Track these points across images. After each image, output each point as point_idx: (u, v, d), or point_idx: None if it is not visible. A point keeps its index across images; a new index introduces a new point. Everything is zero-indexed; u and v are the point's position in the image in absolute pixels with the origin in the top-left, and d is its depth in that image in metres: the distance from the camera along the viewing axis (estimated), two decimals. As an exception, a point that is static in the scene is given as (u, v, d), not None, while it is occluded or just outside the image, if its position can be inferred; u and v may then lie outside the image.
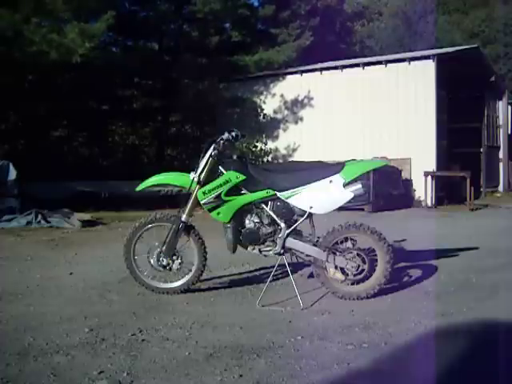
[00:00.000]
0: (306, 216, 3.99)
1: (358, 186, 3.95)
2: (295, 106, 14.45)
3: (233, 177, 3.97)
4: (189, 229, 4.13)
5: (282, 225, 3.97)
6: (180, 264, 4.10)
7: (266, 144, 14.27)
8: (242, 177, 3.98)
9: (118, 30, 14.05)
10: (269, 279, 4.12)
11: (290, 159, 14.49)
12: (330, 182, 3.93)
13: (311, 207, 3.95)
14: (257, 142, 13.91)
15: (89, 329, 3.32)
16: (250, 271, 5.01)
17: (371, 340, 3.10)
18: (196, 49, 15.79)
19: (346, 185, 3.93)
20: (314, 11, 22.43)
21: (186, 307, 3.86)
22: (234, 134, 4.10)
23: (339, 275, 3.97)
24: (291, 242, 3.99)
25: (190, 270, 4.14)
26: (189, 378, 2.61)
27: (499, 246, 6.34)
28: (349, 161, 4.13)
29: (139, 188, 4.27)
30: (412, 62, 13.07)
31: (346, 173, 3.94)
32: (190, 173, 4.10)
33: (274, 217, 4.00)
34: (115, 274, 4.80)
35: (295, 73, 14.55)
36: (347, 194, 3.94)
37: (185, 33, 16.08)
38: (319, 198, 3.95)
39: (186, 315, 3.63)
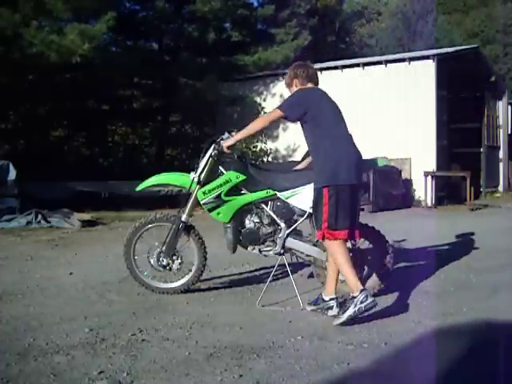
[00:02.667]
0: (305, 216, 3.99)
1: (358, 185, 3.95)
2: (295, 106, 14.42)
3: (233, 177, 3.97)
4: (189, 229, 4.13)
5: (282, 225, 3.97)
6: (180, 264, 4.10)
7: (266, 144, 14.27)
8: (242, 177, 3.97)
9: (118, 30, 14.03)
10: (269, 279, 4.12)
11: (290, 159, 14.48)
12: None
13: (311, 207, 3.95)
14: (257, 141, 13.91)
15: (89, 329, 3.32)
16: (250, 271, 5.01)
17: (371, 340, 3.11)
18: (196, 48, 15.79)
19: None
20: (313, 11, 22.42)
21: (186, 307, 3.86)
22: (233, 133, 4.09)
23: (339, 275, 3.96)
24: (291, 242, 3.99)
25: (190, 270, 4.14)
26: (189, 378, 2.61)
27: (499, 246, 6.34)
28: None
29: (139, 188, 4.26)
30: (412, 62, 13.07)
31: None
32: (189, 173, 4.10)
33: (274, 217, 4.00)
34: (115, 274, 4.80)
35: (295, 73, 14.53)
36: None
37: (185, 32, 16.07)
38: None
39: (186, 315, 3.63)
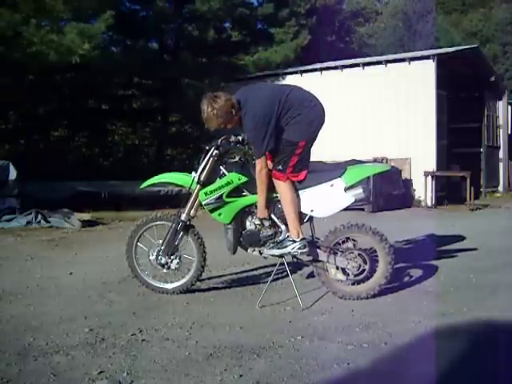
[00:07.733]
0: (306, 219, 3.99)
1: (359, 190, 3.96)
2: (295, 106, 14.41)
3: (235, 178, 3.96)
4: (188, 228, 4.14)
5: (283, 227, 3.96)
6: (178, 263, 4.10)
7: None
8: (244, 178, 3.97)
9: (118, 30, 14.04)
10: (269, 279, 4.12)
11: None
12: (331, 185, 3.93)
13: (312, 210, 3.96)
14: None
15: (89, 329, 3.33)
16: (250, 271, 5.01)
17: (371, 340, 3.10)
18: (196, 48, 15.79)
19: (347, 189, 3.94)
20: (313, 10, 22.41)
21: (186, 307, 3.86)
22: (240, 138, 4.08)
23: (340, 275, 3.96)
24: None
25: (190, 270, 4.14)
26: (189, 378, 2.61)
27: (499, 246, 6.34)
28: (349, 161, 4.13)
29: (143, 186, 4.34)
30: (412, 62, 13.05)
31: (347, 177, 3.94)
32: (191, 173, 4.10)
33: (275, 219, 3.99)
34: (115, 274, 4.80)
35: (295, 73, 14.52)
36: (348, 199, 3.95)
37: (185, 32, 16.07)
38: (320, 202, 3.95)
39: (186, 315, 3.63)
